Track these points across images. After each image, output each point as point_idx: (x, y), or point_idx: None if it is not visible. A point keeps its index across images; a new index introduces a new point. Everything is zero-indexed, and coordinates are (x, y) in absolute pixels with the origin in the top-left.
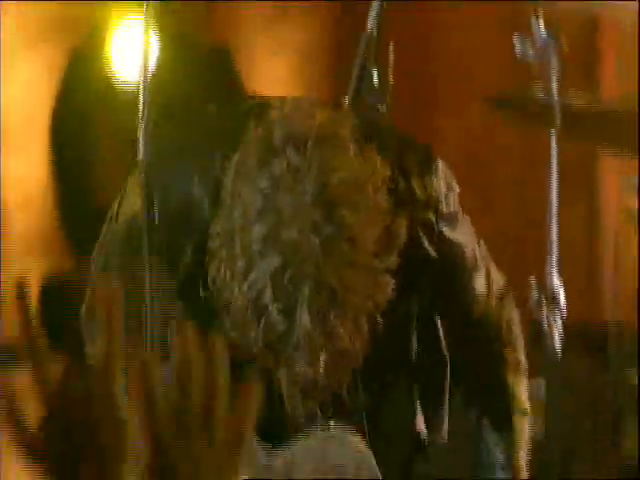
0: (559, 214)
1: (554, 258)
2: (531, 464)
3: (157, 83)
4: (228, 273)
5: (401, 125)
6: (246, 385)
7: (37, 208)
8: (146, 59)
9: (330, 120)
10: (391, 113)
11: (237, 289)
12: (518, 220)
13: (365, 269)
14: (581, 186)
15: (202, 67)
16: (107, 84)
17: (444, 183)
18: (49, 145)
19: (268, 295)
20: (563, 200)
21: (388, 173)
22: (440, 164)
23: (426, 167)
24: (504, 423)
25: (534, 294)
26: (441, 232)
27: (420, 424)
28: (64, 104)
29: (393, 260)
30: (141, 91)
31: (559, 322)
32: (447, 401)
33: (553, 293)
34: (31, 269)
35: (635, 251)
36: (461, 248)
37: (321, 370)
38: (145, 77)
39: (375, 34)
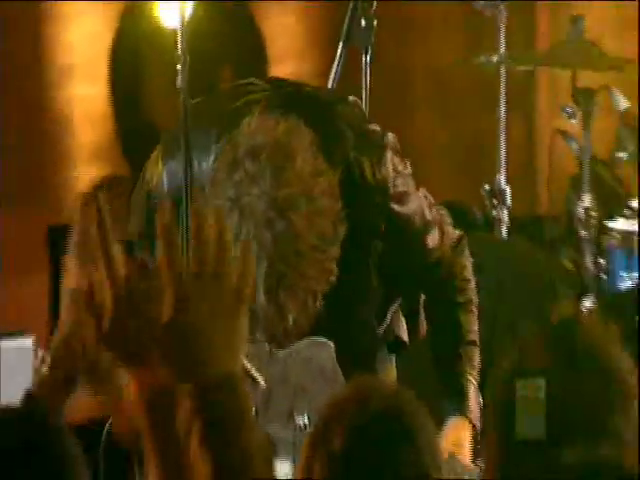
0: (506, 131)
1: (502, 165)
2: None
3: (192, 29)
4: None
5: (388, 61)
6: (244, 242)
7: (99, 124)
8: (183, 10)
9: (286, 134)
10: (378, 49)
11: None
12: (476, 136)
13: (309, 259)
14: (521, 108)
15: (226, 18)
16: (155, 28)
17: (392, 170)
18: (109, 75)
19: None
20: (508, 120)
21: (336, 178)
22: (389, 156)
23: (376, 160)
24: (455, 352)
25: (488, 194)
26: (392, 208)
27: (403, 332)
28: (121, 43)
29: (335, 250)
30: (180, 34)
31: (505, 214)
32: (422, 312)
33: (501, 192)
34: (94, 174)
35: (565, 160)
36: (410, 217)
37: (278, 336)
38: (183, 24)
39: None
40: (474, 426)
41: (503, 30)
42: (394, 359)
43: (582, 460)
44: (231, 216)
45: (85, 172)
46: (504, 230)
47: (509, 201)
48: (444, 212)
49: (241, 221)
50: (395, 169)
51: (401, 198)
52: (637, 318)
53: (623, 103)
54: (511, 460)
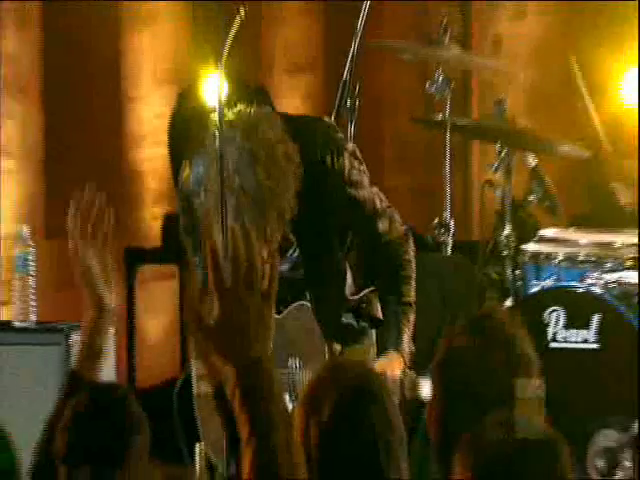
0: (451, 180)
1: (448, 205)
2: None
3: (226, 107)
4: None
5: (366, 125)
6: (270, 258)
7: (161, 176)
8: (220, 94)
9: (257, 114)
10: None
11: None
12: (429, 184)
13: (267, 199)
14: (461, 165)
15: (249, 100)
16: (201, 106)
17: (348, 164)
18: (168, 140)
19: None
20: (452, 172)
21: (296, 148)
22: (346, 154)
23: (336, 153)
24: (396, 312)
25: (437, 225)
26: (347, 191)
27: (378, 312)
28: (177, 117)
29: (289, 198)
30: (218, 110)
31: (450, 240)
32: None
33: (447, 224)
34: (158, 212)
35: (492, 202)
36: (363, 201)
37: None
38: (220, 104)
39: (348, 80)
40: (404, 359)
41: (448, 108)
42: (374, 334)
43: (500, 416)
44: (219, 166)
45: (151, 211)
46: (449, 250)
47: (452, 230)
48: (394, 210)
49: (224, 169)
50: (351, 165)
51: (355, 185)
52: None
53: (532, 161)
54: (449, 415)
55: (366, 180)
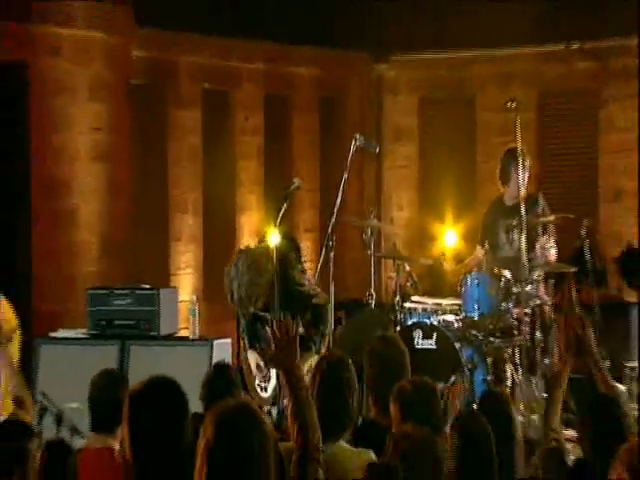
0: (375, 276)
1: (372, 286)
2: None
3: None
4: (235, 293)
5: (338, 255)
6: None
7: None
8: (276, 241)
9: (259, 248)
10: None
11: (235, 291)
12: (366, 278)
13: (258, 285)
14: (378, 270)
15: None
16: (265, 247)
17: (297, 275)
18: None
19: (236, 286)
20: (375, 273)
21: (273, 272)
22: (296, 270)
23: (291, 269)
24: (319, 337)
25: (368, 295)
26: (296, 287)
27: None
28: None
29: (265, 288)
30: (275, 248)
31: (373, 302)
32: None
33: (372, 295)
34: None
35: (391, 287)
36: (304, 290)
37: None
38: (277, 245)
39: (330, 235)
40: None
41: (373, 246)
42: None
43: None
44: (241, 280)
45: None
46: (373, 306)
47: (374, 297)
48: (321, 291)
49: (237, 272)
50: (299, 274)
51: (300, 284)
52: (412, 333)
53: (408, 267)
54: (376, 378)
55: (305, 280)
